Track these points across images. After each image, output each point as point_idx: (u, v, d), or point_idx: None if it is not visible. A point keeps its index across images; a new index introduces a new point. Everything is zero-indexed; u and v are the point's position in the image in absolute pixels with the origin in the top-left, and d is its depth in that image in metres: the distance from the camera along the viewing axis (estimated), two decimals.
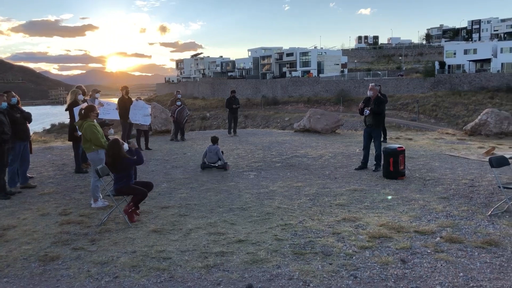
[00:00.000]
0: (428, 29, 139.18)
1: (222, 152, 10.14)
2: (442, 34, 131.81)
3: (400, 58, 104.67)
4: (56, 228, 6.00)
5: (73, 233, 5.77)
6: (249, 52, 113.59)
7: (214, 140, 10.39)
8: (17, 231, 5.88)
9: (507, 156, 7.38)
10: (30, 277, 4.50)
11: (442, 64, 74.60)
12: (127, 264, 4.72)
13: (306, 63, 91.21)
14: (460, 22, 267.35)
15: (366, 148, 9.69)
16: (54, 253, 5.06)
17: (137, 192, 6.27)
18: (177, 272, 4.51)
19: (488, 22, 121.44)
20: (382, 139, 13.31)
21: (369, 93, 9.56)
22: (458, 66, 72.90)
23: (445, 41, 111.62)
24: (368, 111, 9.43)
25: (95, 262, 4.79)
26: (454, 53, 74.97)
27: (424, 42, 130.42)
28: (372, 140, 9.58)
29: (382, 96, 13.76)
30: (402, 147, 8.91)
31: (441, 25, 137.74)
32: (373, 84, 9.67)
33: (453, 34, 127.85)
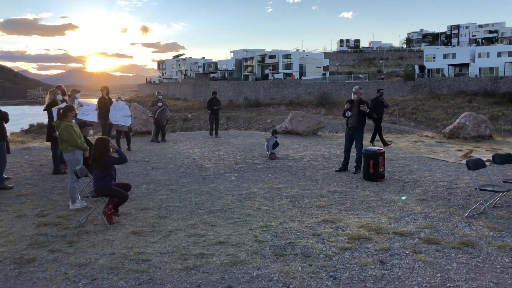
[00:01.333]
0: (408, 33, 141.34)
1: (276, 143, 11.62)
2: (422, 38, 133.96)
3: (381, 61, 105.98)
4: (33, 230, 5.89)
5: (50, 235, 5.67)
6: (232, 54, 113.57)
7: (273, 132, 12.32)
8: None
9: (484, 158, 7.53)
10: (5, 280, 4.40)
11: (422, 68, 75.79)
12: (105, 266, 4.65)
13: (288, 66, 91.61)
14: (439, 27, 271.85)
15: (347, 151, 9.76)
16: (30, 255, 4.97)
17: (118, 194, 6.19)
18: (156, 274, 4.47)
19: (467, 27, 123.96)
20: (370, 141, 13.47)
21: (353, 96, 9.65)
22: (438, 70, 74.16)
23: (425, 46, 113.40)
24: (350, 113, 9.52)
25: (73, 264, 4.72)
26: (434, 57, 76.22)
27: (404, 46, 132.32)
28: (354, 142, 9.65)
29: (380, 101, 14.01)
30: (382, 149, 9.02)
31: (421, 30, 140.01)
32: (357, 87, 9.75)
33: (433, 38, 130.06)
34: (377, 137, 14.24)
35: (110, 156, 6.23)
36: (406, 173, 9.37)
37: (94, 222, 6.19)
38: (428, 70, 75.01)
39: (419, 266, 4.56)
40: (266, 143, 11.88)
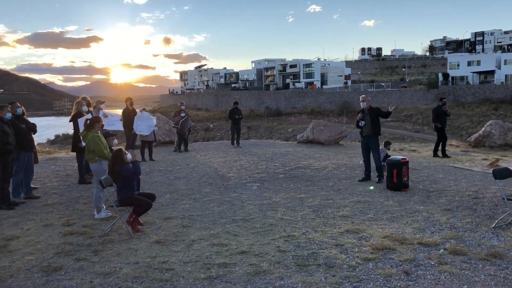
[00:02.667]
0: (431, 41, 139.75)
1: (387, 156, 10.26)
2: (446, 45, 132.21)
3: (403, 69, 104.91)
4: (59, 238, 6.01)
5: (76, 244, 5.77)
6: (253, 64, 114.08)
7: (386, 144, 11.37)
8: (20, 242, 5.89)
9: (511, 168, 7.36)
10: None
11: (445, 75, 74.72)
12: (129, 275, 4.71)
13: (309, 75, 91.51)
14: (463, 34, 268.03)
15: (366, 160, 9.69)
16: (57, 264, 5.06)
17: (141, 203, 6.27)
18: (179, 283, 4.50)
19: (492, 34, 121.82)
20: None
21: (362, 105, 9.62)
22: (462, 78, 72.97)
23: (449, 53, 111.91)
24: (364, 122, 9.48)
25: (98, 273, 4.79)
26: (458, 65, 75.08)
27: (427, 53, 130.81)
28: (371, 152, 9.57)
29: (443, 111, 12.99)
30: (406, 158, 8.90)
31: (445, 37, 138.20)
32: (364, 95, 9.72)
33: (457, 45, 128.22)
34: (392, 147, 14.05)
35: (123, 168, 6.31)
36: (431, 183, 9.22)
37: (118, 231, 6.28)
38: (452, 77, 73.91)
39: (445, 277, 4.48)
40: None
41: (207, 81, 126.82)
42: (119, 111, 13.16)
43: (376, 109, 9.59)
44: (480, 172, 10.35)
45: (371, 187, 7.93)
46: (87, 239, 5.96)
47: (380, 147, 9.99)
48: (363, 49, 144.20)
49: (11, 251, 5.53)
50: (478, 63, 73.08)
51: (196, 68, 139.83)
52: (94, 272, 4.81)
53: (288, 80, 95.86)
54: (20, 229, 6.45)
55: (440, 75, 75.23)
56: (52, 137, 70.27)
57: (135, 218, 6.26)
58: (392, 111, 9.47)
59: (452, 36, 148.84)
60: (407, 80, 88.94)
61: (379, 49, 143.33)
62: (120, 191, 6.32)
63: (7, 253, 5.47)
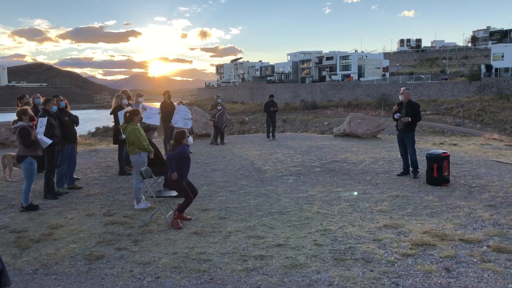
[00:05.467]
0: (474, 31, 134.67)
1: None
2: (489, 36, 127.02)
3: (444, 61, 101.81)
4: (101, 228, 6.19)
5: (116, 234, 5.94)
6: (288, 56, 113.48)
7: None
8: (64, 230, 6.11)
9: None
10: (76, 275, 4.66)
11: (488, 67, 71.95)
12: (168, 265, 4.81)
13: (346, 67, 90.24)
14: (508, 23, 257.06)
15: (404, 154, 9.48)
16: (99, 253, 5.23)
17: (184, 193, 6.28)
18: (217, 274, 4.56)
19: None
20: None
21: (400, 97, 9.40)
22: (506, 69, 70.07)
23: (492, 44, 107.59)
24: (399, 115, 9.27)
25: (138, 262, 4.91)
26: (502, 56, 72.11)
27: (469, 44, 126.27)
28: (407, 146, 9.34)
29: None
30: (447, 152, 8.66)
31: (488, 27, 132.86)
32: (404, 88, 9.49)
33: (501, 36, 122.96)
34: (432, 140, 13.67)
35: (183, 148, 6.33)
36: (473, 178, 8.94)
37: (157, 222, 6.42)
38: (496, 69, 71.08)
39: (488, 275, 4.34)
40: None
41: (243, 74, 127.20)
42: (157, 104, 13.38)
43: (415, 104, 9.33)
44: None
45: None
46: (127, 229, 6.12)
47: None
48: (402, 41, 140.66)
49: (56, 239, 5.75)
50: None
51: (232, 61, 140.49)
52: (134, 261, 4.94)
53: (324, 73, 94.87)
54: (64, 218, 6.69)
55: (483, 67, 72.52)
56: (93, 130, 72.28)
57: (178, 215, 6.29)
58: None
59: (497, 26, 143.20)
60: (448, 72, 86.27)
61: (418, 40, 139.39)
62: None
63: (52, 241, 5.69)
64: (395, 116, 9.39)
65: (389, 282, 4.27)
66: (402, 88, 9.52)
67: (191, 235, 5.81)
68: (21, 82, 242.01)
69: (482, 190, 7.86)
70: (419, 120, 9.38)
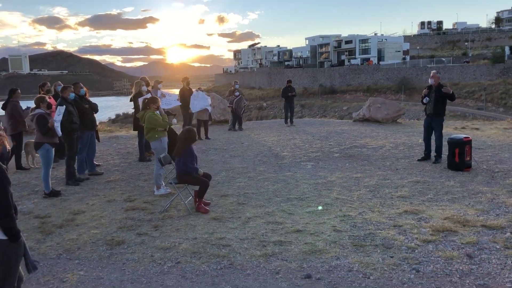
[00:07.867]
0: (498, 12, 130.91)
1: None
2: None
3: (466, 43, 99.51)
4: (122, 214, 6.28)
5: (137, 219, 6.02)
6: (307, 41, 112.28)
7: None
8: (86, 216, 6.21)
9: None
10: (98, 260, 4.75)
11: None
12: (188, 250, 4.86)
13: (365, 51, 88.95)
14: None
15: (427, 139, 9.32)
16: (120, 238, 5.31)
17: (198, 182, 6.35)
18: (236, 259, 4.59)
19: None
20: None
21: (430, 81, 9.19)
22: None
23: None
24: (428, 99, 9.09)
25: (158, 248, 4.97)
26: None
27: (493, 26, 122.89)
28: (433, 131, 9.18)
29: None
30: (469, 137, 8.50)
31: None
32: (434, 71, 9.26)
33: None
34: (453, 125, 13.40)
35: (191, 147, 6.42)
36: (495, 163, 8.77)
37: (177, 208, 6.48)
38: None
39: (511, 262, 4.27)
40: None
41: (261, 59, 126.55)
42: (175, 91, 13.42)
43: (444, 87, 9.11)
44: None
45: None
46: (148, 215, 6.19)
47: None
48: (422, 23, 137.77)
49: (78, 225, 5.86)
50: None
51: (249, 46, 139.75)
52: (154, 247, 5.01)
53: (343, 57, 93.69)
54: (85, 204, 6.81)
55: (507, 49, 70.52)
56: (113, 116, 73.11)
57: (200, 201, 6.34)
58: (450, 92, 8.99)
59: None
60: (470, 55, 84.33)
61: (439, 23, 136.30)
62: (180, 168, 6.40)
63: (74, 226, 5.80)
64: (424, 101, 9.20)
65: (409, 268, 4.24)
66: (432, 72, 9.31)
67: (210, 220, 5.85)
68: (42, 70, 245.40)
69: (506, 175, 7.70)
70: (453, 100, 9.24)
